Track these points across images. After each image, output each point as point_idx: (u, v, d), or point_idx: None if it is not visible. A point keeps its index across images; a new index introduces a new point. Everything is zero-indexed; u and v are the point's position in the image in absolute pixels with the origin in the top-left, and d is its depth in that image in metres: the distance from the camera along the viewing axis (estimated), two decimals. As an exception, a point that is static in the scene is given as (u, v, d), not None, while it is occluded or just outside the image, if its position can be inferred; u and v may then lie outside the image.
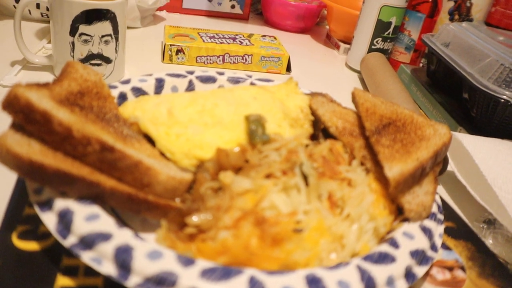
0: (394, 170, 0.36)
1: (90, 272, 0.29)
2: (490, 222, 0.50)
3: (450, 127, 0.67)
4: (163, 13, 1.03)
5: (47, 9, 0.82)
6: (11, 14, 0.82)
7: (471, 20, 0.95)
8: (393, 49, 0.92)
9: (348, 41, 0.99)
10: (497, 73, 0.61)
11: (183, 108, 0.41)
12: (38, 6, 0.82)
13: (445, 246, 0.38)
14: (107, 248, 0.27)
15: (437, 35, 0.77)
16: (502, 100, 0.59)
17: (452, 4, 0.94)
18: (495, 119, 0.61)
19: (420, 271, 0.32)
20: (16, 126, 0.31)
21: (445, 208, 0.43)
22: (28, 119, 0.30)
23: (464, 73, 0.64)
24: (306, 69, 0.88)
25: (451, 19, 0.95)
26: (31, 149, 0.29)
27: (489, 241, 0.47)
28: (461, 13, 0.95)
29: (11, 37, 0.73)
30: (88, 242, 0.28)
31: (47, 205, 0.30)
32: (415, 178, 0.37)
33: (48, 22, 0.84)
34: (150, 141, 0.39)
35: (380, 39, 0.87)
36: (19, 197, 0.34)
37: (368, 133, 0.41)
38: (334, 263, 0.32)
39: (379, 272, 0.30)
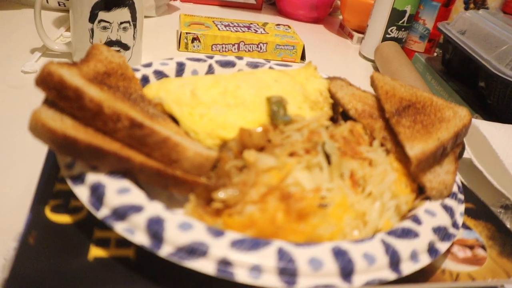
0: (416, 149, 0.36)
1: (121, 243, 0.30)
2: (508, 207, 0.50)
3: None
4: (177, 3, 1.04)
5: (65, -3, 0.83)
6: (28, 3, 0.84)
7: (486, 9, 0.94)
8: (408, 38, 0.92)
9: (361, 30, 0.99)
10: (514, 59, 0.61)
11: (206, 89, 0.42)
12: (55, -5, 0.83)
13: (465, 226, 0.39)
14: (139, 219, 0.28)
15: (453, 23, 0.77)
16: (520, 86, 0.59)
17: (467, -7, 0.93)
18: (512, 106, 0.61)
19: (442, 246, 0.32)
20: (49, 102, 0.32)
21: (464, 189, 0.43)
22: (60, 95, 0.31)
23: (481, 60, 0.64)
24: (319, 58, 0.88)
25: (466, 8, 0.95)
26: (64, 124, 0.30)
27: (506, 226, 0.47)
28: (476, 2, 0.94)
29: (29, 25, 0.75)
30: (120, 213, 0.29)
31: (79, 179, 0.31)
32: (436, 157, 0.38)
33: (65, 11, 0.85)
34: (174, 121, 0.40)
35: (395, 28, 0.87)
36: (49, 174, 0.35)
37: (388, 115, 0.41)
38: (357, 239, 0.32)
39: (403, 246, 0.30)
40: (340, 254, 0.29)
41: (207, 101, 0.41)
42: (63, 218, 0.31)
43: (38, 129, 0.29)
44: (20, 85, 0.58)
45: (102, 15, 0.61)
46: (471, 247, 0.37)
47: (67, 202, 0.33)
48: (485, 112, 0.66)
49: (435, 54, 0.96)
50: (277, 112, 0.40)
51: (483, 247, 0.37)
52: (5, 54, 0.65)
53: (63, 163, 0.32)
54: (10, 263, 0.29)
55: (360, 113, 0.44)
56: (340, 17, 1.18)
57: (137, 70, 0.46)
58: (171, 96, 0.40)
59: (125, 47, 0.65)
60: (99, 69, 0.38)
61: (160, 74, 0.47)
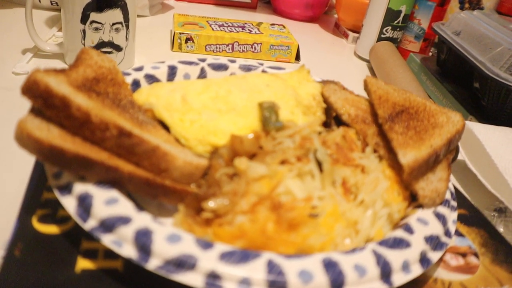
0: (408, 156, 0.36)
1: (109, 255, 0.30)
2: (501, 210, 0.50)
3: (460, 115, 0.67)
4: (171, 2, 1.03)
5: (57, -3, 0.82)
6: (20, 2, 0.83)
7: (481, 9, 0.94)
8: (403, 38, 0.91)
9: (356, 30, 0.99)
10: (509, 61, 0.61)
11: (197, 94, 0.42)
12: (47, -6, 0.82)
13: (458, 233, 0.38)
14: (127, 231, 0.28)
15: (448, 23, 0.77)
16: (514, 88, 0.58)
17: (462, -8, 0.93)
18: (507, 108, 0.61)
19: (434, 256, 0.32)
20: (35, 111, 0.31)
21: (457, 195, 0.43)
22: (47, 104, 0.30)
23: (476, 61, 0.64)
24: (314, 58, 0.87)
25: (461, 8, 0.95)
26: (51, 134, 0.30)
27: (500, 229, 0.47)
28: (471, 1, 0.94)
29: (21, 25, 0.74)
30: (108, 225, 0.28)
31: (66, 189, 0.31)
32: (428, 164, 0.37)
33: (58, 10, 0.84)
34: (165, 127, 0.39)
35: (390, 27, 0.87)
36: (37, 182, 0.35)
37: (381, 120, 0.41)
38: (348, 248, 0.32)
39: (394, 257, 0.30)
40: (330, 266, 0.28)
41: (198, 107, 0.40)
42: (51, 229, 0.31)
43: (24, 139, 0.29)
44: (11, 87, 0.57)
45: (94, 16, 0.60)
46: (463, 255, 0.36)
47: (55, 212, 0.32)
48: (479, 113, 0.66)
49: (431, 53, 0.95)
50: (269, 118, 0.40)
51: (475, 255, 0.37)
52: (-4, 55, 0.64)
53: (50, 173, 0.32)
54: (-4, 274, 0.28)
55: (353, 118, 0.43)
56: (336, 16, 1.18)
57: (128, 74, 0.45)
58: (161, 102, 0.40)
59: (118, 48, 0.64)
60: (88, 74, 0.38)
61: (151, 78, 0.47)
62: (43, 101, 0.30)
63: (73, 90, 0.32)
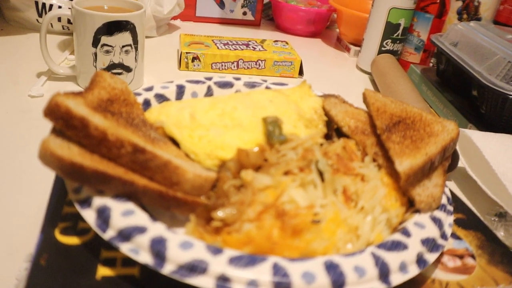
0: (405, 164, 0.38)
1: (127, 262, 0.32)
2: (502, 215, 0.51)
3: (460, 124, 0.69)
4: (177, 22, 1.07)
5: (69, 21, 0.86)
6: (33, 27, 0.86)
7: (479, 19, 0.96)
8: (403, 50, 0.94)
9: (358, 43, 1.02)
10: (504, 70, 0.63)
11: (204, 112, 0.44)
12: (59, 19, 0.86)
13: (455, 236, 0.40)
14: (143, 240, 0.30)
15: (446, 35, 0.79)
16: (511, 96, 0.60)
17: (460, 3, 0.95)
18: (504, 115, 0.63)
19: (431, 257, 0.34)
20: (56, 131, 0.34)
21: (455, 200, 0.45)
22: (67, 125, 0.33)
23: (473, 71, 0.66)
24: (318, 72, 0.90)
25: (460, 19, 0.97)
26: (71, 152, 0.32)
27: (500, 233, 0.49)
28: (469, 12, 0.96)
29: (34, 49, 0.77)
30: (125, 234, 0.31)
31: (86, 202, 0.33)
32: (424, 171, 0.39)
33: (69, 34, 0.88)
34: (175, 143, 0.42)
35: (390, 40, 0.89)
36: (58, 198, 0.37)
37: (379, 131, 0.43)
38: (350, 252, 0.34)
39: (392, 258, 0.32)
40: (332, 268, 0.30)
41: (205, 123, 0.43)
42: (72, 240, 0.33)
43: (47, 158, 0.32)
44: (27, 109, 0.60)
45: (104, 39, 0.64)
46: (460, 257, 0.38)
47: (75, 224, 0.35)
48: (478, 121, 0.68)
49: (431, 64, 0.98)
50: (272, 132, 0.42)
51: (472, 256, 0.38)
52: (13, 79, 0.68)
53: (70, 188, 0.34)
54: (22, 283, 0.31)
55: (353, 129, 0.45)
56: (337, 30, 1.21)
57: (139, 94, 0.48)
58: (171, 120, 0.43)
59: (128, 69, 0.67)
60: (103, 96, 0.40)
61: (161, 97, 0.49)
62: (64, 122, 0.33)
63: (90, 111, 0.35)
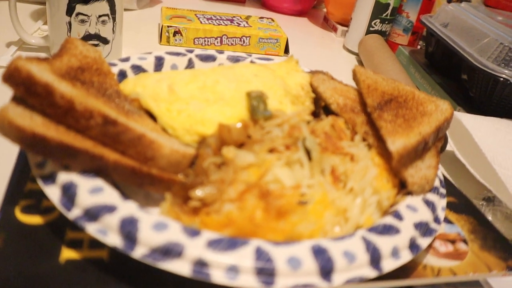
0: (397, 143, 0.36)
1: (94, 244, 0.29)
2: (489, 199, 0.50)
3: (449, 106, 0.67)
4: (159, -4, 1.02)
5: (42, -11, 0.81)
6: (4, -5, 0.81)
7: (469, 1, 0.94)
8: (391, 31, 0.92)
9: (345, 23, 0.99)
10: (496, 52, 0.61)
11: (184, 84, 0.41)
12: (32, -13, 0.81)
13: (447, 220, 0.38)
14: (112, 220, 0.27)
15: (436, 15, 0.77)
16: (502, 79, 0.59)
17: (450, -15, 0.93)
18: (494, 98, 0.61)
19: (424, 242, 0.32)
20: (17, 99, 0.31)
21: (446, 183, 0.43)
22: (29, 92, 0.30)
23: (463, 52, 0.64)
24: (303, 52, 0.87)
25: (449, 1, 0.95)
26: (34, 122, 0.29)
27: (488, 218, 0.47)
28: (459, -6, 0.94)
29: (5, 19, 0.73)
30: (92, 214, 0.28)
31: (50, 178, 0.30)
32: (417, 152, 0.37)
33: (43, 3, 0.83)
34: (151, 117, 0.39)
35: (378, 20, 0.87)
36: (21, 172, 0.34)
37: (370, 109, 0.41)
38: (338, 235, 0.32)
39: (384, 243, 0.30)
40: (319, 253, 0.28)
41: (185, 97, 0.40)
42: (34, 219, 0.30)
43: (6, 127, 0.28)
44: (-5, 80, 0.56)
45: (79, 8, 0.60)
46: (452, 242, 0.36)
47: (39, 202, 0.32)
48: (467, 104, 0.66)
49: (419, 47, 0.95)
50: (257, 107, 0.40)
51: (464, 241, 0.37)
52: (-20, 49, 0.63)
53: (33, 162, 0.31)
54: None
55: (342, 107, 0.43)
56: (324, 9, 1.17)
57: (114, 64, 0.44)
58: (148, 92, 0.39)
59: (104, 41, 0.64)
60: (73, 64, 0.37)
61: (138, 69, 0.46)
62: (25, 89, 0.30)
63: (57, 78, 0.32)
